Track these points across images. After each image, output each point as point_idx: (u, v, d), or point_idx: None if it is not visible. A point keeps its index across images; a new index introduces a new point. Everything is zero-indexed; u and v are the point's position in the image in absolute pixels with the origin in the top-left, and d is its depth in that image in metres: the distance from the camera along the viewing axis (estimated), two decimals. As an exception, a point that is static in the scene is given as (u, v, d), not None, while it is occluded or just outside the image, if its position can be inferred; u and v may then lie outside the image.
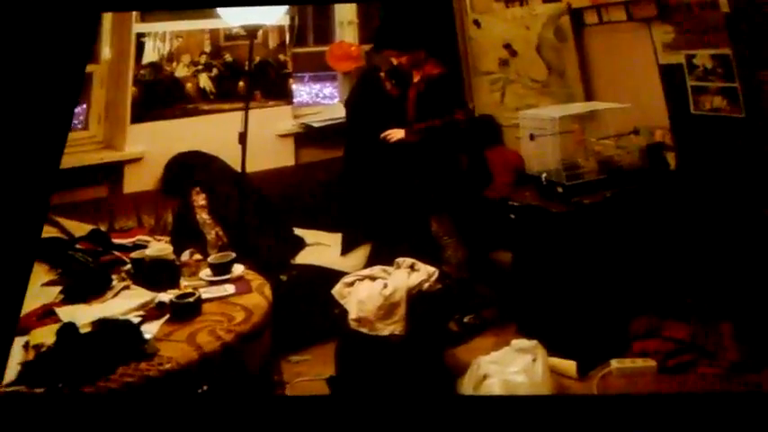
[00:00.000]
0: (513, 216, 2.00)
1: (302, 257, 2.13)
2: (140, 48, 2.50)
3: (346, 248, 2.14)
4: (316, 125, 2.50)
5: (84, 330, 1.63)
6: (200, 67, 2.54)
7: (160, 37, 2.54)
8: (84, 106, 2.42)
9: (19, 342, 1.61)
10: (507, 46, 2.61)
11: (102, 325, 1.64)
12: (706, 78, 2.14)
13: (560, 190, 1.99)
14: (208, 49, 2.58)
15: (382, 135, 2.21)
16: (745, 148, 2.01)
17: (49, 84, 1.96)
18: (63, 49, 2.00)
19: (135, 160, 2.34)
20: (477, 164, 2.21)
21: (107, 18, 2.45)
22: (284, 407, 1.58)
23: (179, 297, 1.72)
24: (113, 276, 1.86)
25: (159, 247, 1.92)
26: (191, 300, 1.71)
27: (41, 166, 1.87)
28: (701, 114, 2.13)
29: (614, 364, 1.60)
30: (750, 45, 2.04)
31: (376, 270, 1.86)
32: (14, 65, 1.93)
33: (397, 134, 2.20)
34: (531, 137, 2.11)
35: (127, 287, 1.83)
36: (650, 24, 2.25)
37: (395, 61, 2.26)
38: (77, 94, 2.06)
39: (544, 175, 2.05)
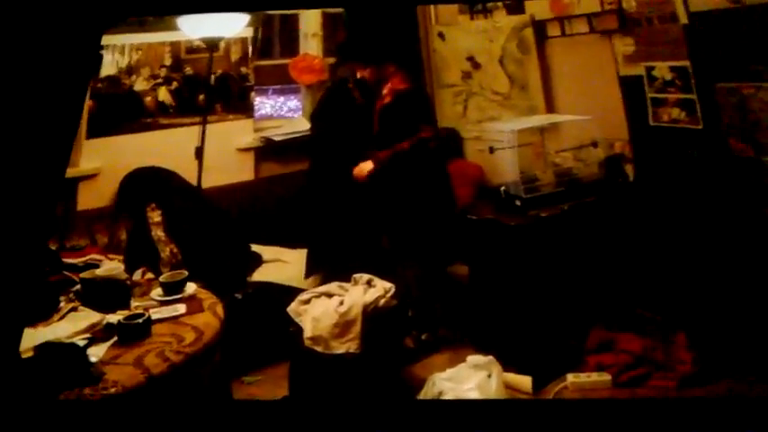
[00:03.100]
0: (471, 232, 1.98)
1: (259, 274, 2.09)
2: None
3: (310, 272, 2.10)
4: (276, 139, 2.48)
5: (26, 355, 1.57)
6: (159, 80, 2.50)
7: (119, 50, 2.49)
8: (39, 120, 2.35)
9: (-43, 368, 1.55)
10: (471, 58, 2.62)
11: (45, 349, 1.57)
12: (665, 90, 2.16)
13: (518, 203, 1.98)
14: (168, 62, 2.54)
15: (354, 174, 2.17)
16: (703, 160, 2.03)
17: (52, 93, 1.89)
18: (66, 57, 1.94)
19: (90, 176, 2.28)
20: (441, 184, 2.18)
21: (66, 30, 2.40)
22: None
23: (127, 318, 1.66)
24: (61, 297, 1.80)
25: (110, 267, 1.86)
26: (139, 321, 1.65)
27: (45, 176, 1.80)
28: (659, 126, 2.15)
29: (570, 378, 1.59)
30: (708, 57, 2.06)
31: (333, 287, 1.83)
32: (17, 74, 1.87)
33: (365, 168, 2.15)
34: (491, 150, 2.10)
35: (75, 309, 1.76)
36: (611, 37, 2.27)
37: (359, 74, 2.24)
38: (82, 103, 2.00)
39: (502, 188, 2.04)
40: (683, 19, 2.14)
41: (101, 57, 2.46)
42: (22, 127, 1.78)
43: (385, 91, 2.21)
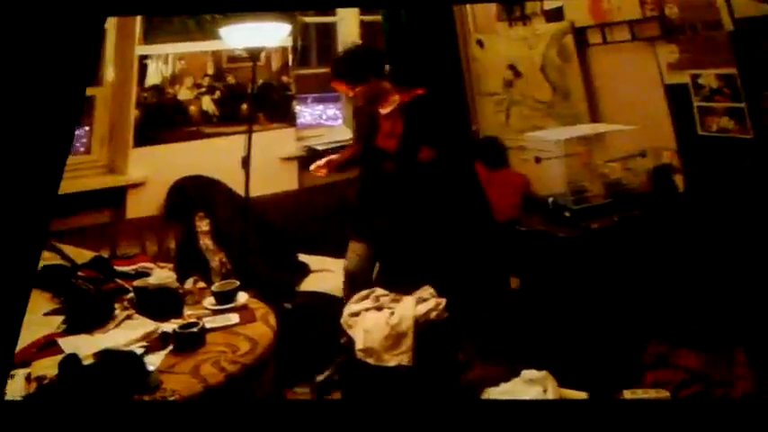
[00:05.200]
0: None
1: (307, 284, 2.10)
2: (143, 70, 2.49)
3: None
4: (319, 148, 2.48)
5: (86, 362, 1.60)
6: (202, 89, 2.54)
7: (162, 59, 2.54)
8: (87, 129, 2.41)
9: (20, 374, 1.59)
10: (511, 66, 2.60)
11: (104, 356, 1.61)
12: (712, 98, 2.12)
13: (567, 214, 1.96)
14: (211, 71, 2.58)
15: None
16: (754, 170, 1.98)
17: (49, 101, 1.93)
18: (65, 63, 1.97)
19: (138, 185, 2.32)
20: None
21: (110, 39, 2.46)
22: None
23: (183, 327, 1.70)
24: (116, 305, 1.84)
25: (162, 275, 1.90)
26: (194, 330, 1.68)
27: (41, 187, 1.84)
28: (708, 135, 2.11)
29: (626, 394, 1.56)
30: (756, 64, 2.02)
31: (385, 300, 1.82)
32: (14, 78, 1.90)
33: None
34: (537, 160, 2.08)
35: (129, 317, 1.80)
36: (654, 44, 2.24)
37: (350, 93, 2.22)
38: (80, 112, 2.03)
39: (551, 199, 2.02)
40: (728, 25, 2.10)
41: (145, 66, 2.51)
42: (19, 128, 1.81)
43: (388, 108, 2.16)
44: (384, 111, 2.16)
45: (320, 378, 1.82)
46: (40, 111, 1.89)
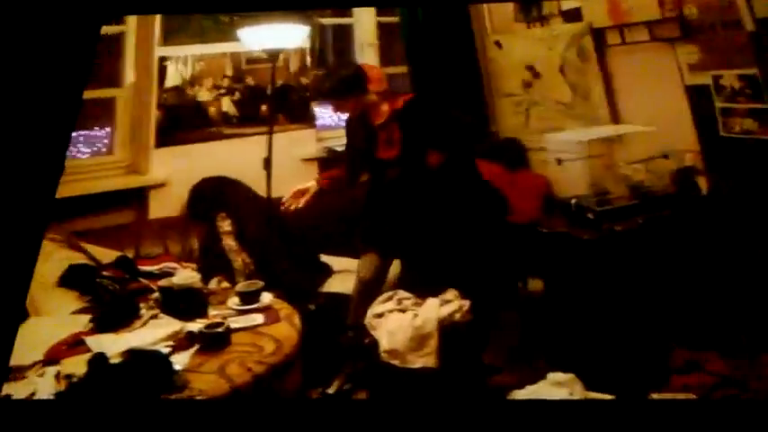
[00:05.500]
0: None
1: (329, 285, 2.11)
2: (163, 71, 2.51)
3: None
4: (339, 149, 2.49)
5: (114, 361, 1.62)
6: (222, 90, 2.55)
7: (182, 60, 2.56)
8: (109, 130, 2.43)
9: (50, 371, 1.60)
10: (530, 67, 2.59)
11: (132, 356, 1.63)
12: (734, 99, 2.10)
13: (591, 216, 1.96)
14: (230, 72, 2.59)
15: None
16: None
17: (47, 104, 1.94)
18: (62, 67, 1.98)
19: (160, 185, 2.34)
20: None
21: (130, 41, 2.48)
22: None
23: (208, 327, 1.71)
24: (141, 305, 1.86)
25: (187, 275, 1.91)
26: (220, 330, 1.69)
27: (38, 189, 1.84)
28: (731, 137, 2.10)
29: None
30: (778, 65, 2.01)
31: (408, 303, 1.82)
32: (12, 80, 1.92)
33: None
34: (559, 161, 2.08)
35: (155, 316, 1.81)
36: (674, 45, 2.23)
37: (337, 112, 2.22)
38: (76, 114, 2.04)
39: (573, 200, 2.02)
40: (749, 25, 2.09)
41: (165, 67, 2.53)
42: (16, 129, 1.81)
43: (383, 118, 2.14)
44: (378, 122, 2.16)
45: (331, 391, 1.80)
46: (36, 113, 1.91)
